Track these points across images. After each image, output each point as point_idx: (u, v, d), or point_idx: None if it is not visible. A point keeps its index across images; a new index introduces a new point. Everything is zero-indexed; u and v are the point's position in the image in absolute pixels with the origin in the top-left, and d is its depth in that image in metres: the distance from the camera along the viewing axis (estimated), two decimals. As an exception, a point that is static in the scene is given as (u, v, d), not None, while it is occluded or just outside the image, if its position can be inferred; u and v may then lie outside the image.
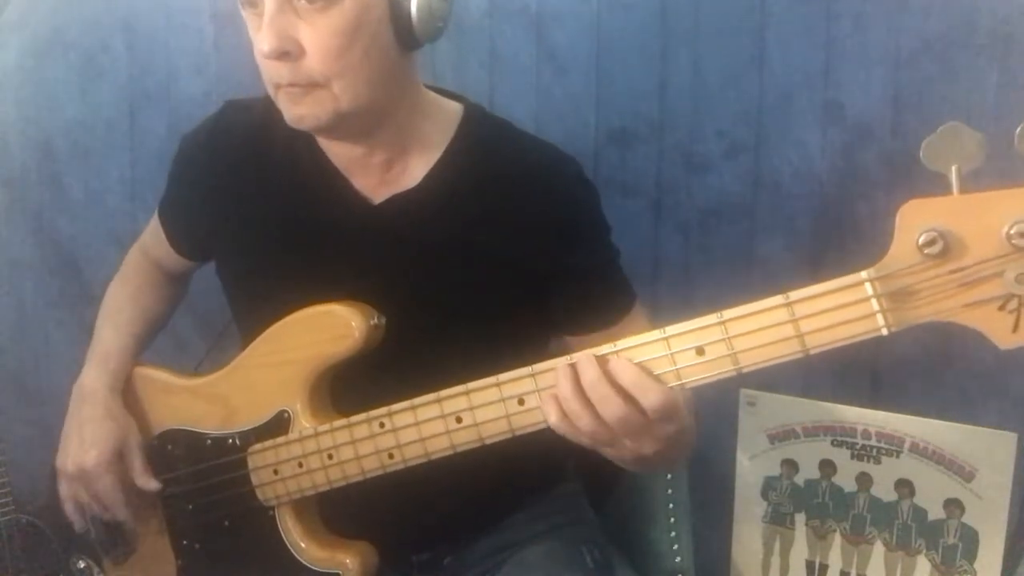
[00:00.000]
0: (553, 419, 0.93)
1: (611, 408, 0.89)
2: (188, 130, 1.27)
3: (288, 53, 1.00)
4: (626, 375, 0.89)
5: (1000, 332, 0.78)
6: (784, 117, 1.58)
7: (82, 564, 1.29)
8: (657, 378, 0.90)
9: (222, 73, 1.87)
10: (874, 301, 0.81)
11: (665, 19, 1.62)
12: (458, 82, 1.69)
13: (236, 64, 1.82)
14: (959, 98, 1.46)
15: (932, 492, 1.44)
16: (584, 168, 1.21)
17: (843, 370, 1.57)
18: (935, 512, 1.44)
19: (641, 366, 0.90)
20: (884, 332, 0.82)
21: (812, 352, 0.85)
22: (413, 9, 1.02)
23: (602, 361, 0.91)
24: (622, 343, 0.91)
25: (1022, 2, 1.42)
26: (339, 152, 1.14)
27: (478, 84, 1.71)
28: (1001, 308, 0.78)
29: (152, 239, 1.36)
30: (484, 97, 1.70)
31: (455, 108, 1.18)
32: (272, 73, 1.03)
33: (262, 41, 1.00)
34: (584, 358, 0.91)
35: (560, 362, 0.93)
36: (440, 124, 1.15)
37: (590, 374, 0.90)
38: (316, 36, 1.00)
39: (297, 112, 1.05)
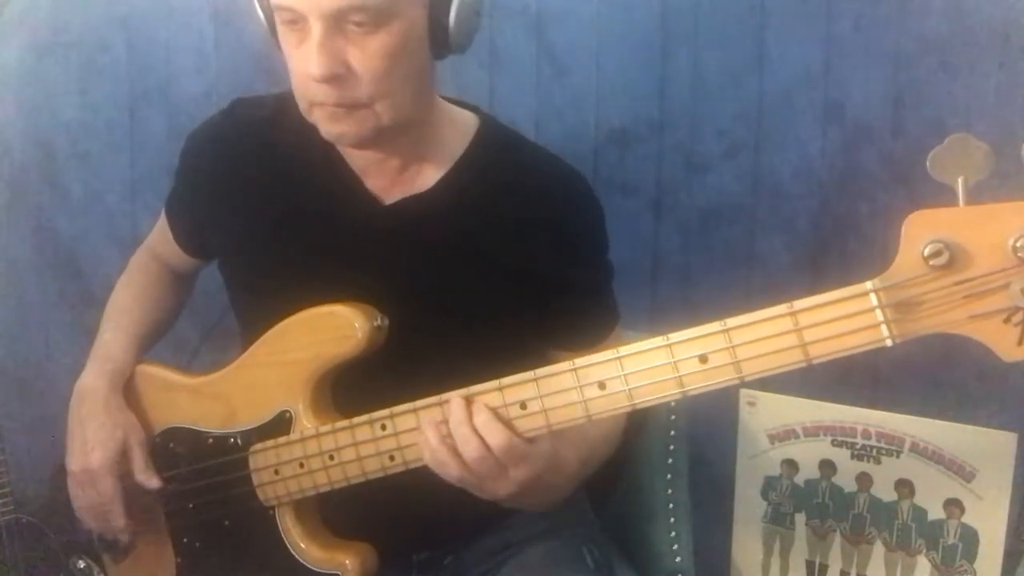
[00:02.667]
0: (427, 458, 0.99)
1: (469, 447, 0.95)
2: (192, 127, 1.27)
3: (337, 76, 1.00)
4: (478, 416, 0.95)
5: (1005, 345, 0.78)
6: (784, 117, 1.58)
7: (82, 564, 1.29)
8: (507, 423, 0.95)
9: (222, 73, 1.87)
10: (879, 312, 0.81)
11: (665, 19, 1.62)
12: (458, 82, 1.68)
13: (236, 64, 1.83)
14: (959, 98, 1.46)
15: (932, 492, 1.44)
16: (584, 169, 1.22)
17: (843, 370, 1.56)
18: (935, 512, 1.44)
19: (494, 412, 0.95)
20: (888, 343, 0.82)
21: (815, 362, 0.84)
22: (451, 25, 1.04)
23: (468, 402, 0.96)
24: (624, 349, 0.92)
25: (1022, 2, 1.42)
26: (358, 155, 1.15)
27: (478, 84, 1.71)
28: (1006, 321, 0.77)
29: (159, 237, 1.36)
30: (484, 97, 1.70)
31: (471, 118, 1.20)
32: (313, 93, 1.03)
33: (310, 64, 0.99)
34: (454, 399, 0.97)
35: (567, 365, 0.95)
36: (456, 133, 1.17)
37: (456, 415, 0.96)
38: (364, 58, 1.00)
39: (337, 130, 1.05)
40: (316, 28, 0.98)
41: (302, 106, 1.06)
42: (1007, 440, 1.38)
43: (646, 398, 0.91)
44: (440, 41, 1.05)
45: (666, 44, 1.62)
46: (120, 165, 1.98)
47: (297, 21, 1.00)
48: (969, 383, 1.51)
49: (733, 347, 0.86)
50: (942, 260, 0.77)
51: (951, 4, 1.46)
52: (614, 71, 1.66)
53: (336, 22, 0.98)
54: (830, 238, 1.54)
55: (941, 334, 0.81)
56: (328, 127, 1.05)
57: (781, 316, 0.84)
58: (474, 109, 1.21)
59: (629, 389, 0.92)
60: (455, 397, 0.97)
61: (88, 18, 1.95)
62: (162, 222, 1.34)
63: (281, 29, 1.04)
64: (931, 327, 0.81)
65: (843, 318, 0.82)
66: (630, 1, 1.63)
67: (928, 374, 1.54)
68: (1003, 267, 0.76)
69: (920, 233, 0.79)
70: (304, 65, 1.01)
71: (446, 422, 0.97)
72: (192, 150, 1.26)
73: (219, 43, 1.87)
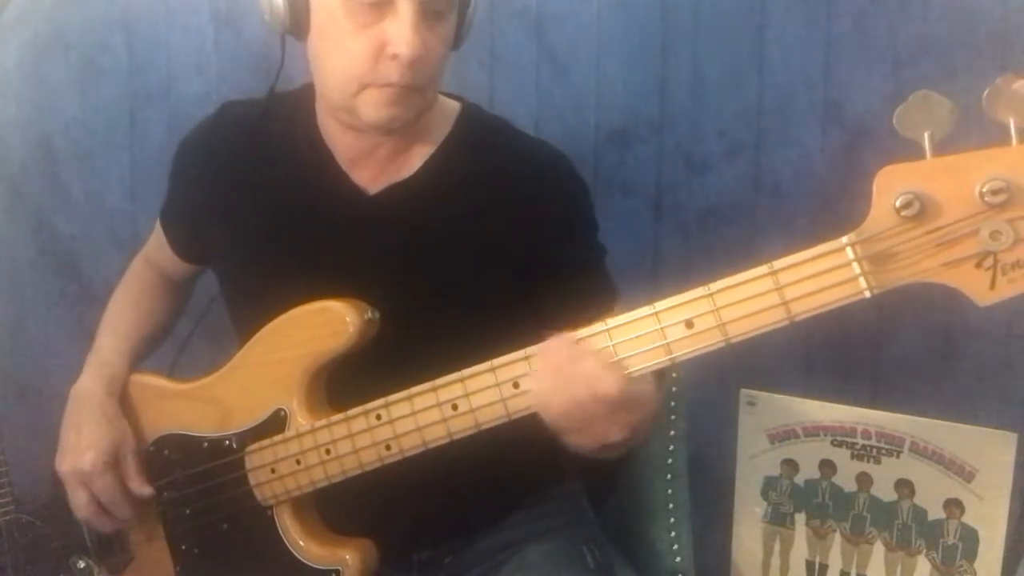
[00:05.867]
0: (535, 387, 0.95)
1: (578, 388, 0.91)
2: (187, 131, 1.27)
3: (420, 59, 1.02)
4: (585, 363, 0.92)
5: (978, 290, 0.80)
6: (784, 117, 1.58)
7: (82, 564, 1.29)
8: (613, 368, 0.91)
9: (222, 73, 1.88)
10: (855, 265, 0.83)
11: (665, 19, 1.62)
12: (458, 82, 1.67)
13: (236, 64, 1.83)
14: (959, 98, 1.45)
15: (932, 492, 1.44)
16: (584, 169, 1.22)
17: (843, 370, 1.57)
18: (935, 512, 1.44)
19: (601, 355, 0.92)
20: (867, 295, 0.84)
21: (798, 319, 0.86)
22: (468, 17, 1.10)
23: (573, 342, 0.93)
24: (612, 320, 0.92)
25: (1022, 2, 1.42)
26: (348, 145, 1.15)
27: (478, 84, 1.71)
28: (978, 266, 0.80)
29: (155, 246, 1.37)
30: (484, 97, 1.70)
31: (453, 105, 1.21)
32: (383, 73, 1.04)
33: (399, 44, 1.01)
34: (560, 337, 0.94)
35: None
36: (439, 119, 1.17)
37: (561, 353, 0.93)
38: (435, 43, 1.05)
39: (391, 113, 1.07)
40: (408, 9, 1.01)
41: (349, 88, 1.06)
42: (1007, 440, 1.38)
43: (637, 367, 0.92)
44: (461, 32, 1.11)
45: (666, 44, 1.62)
46: (120, 165, 1.98)
47: (385, 4, 1.02)
48: (969, 383, 1.51)
49: (718, 310, 0.88)
50: (913, 211, 0.80)
51: (951, 4, 1.46)
52: (614, 71, 1.66)
53: (424, 5, 1.02)
54: (830, 238, 1.54)
55: (940, 330, 0.82)
56: (381, 110, 1.06)
57: (762, 276, 0.87)
58: (457, 98, 1.22)
59: (619, 359, 0.92)
60: (560, 335, 0.94)
61: (88, 18, 1.95)
62: (157, 230, 1.35)
63: (343, 10, 1.03)
64: (907, 277, 0.82)
65: (822, 273, 0.85)
66: (630, 1, 1.63)
67: (928, 374, 1.54)
68: (972, 213, 0.79)
69: (891, 186, 0.81)
70: (375, 44, 1.02)
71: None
72: (183, 156, 1.27)
73: (219, 43, 1.87)
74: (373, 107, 1.06)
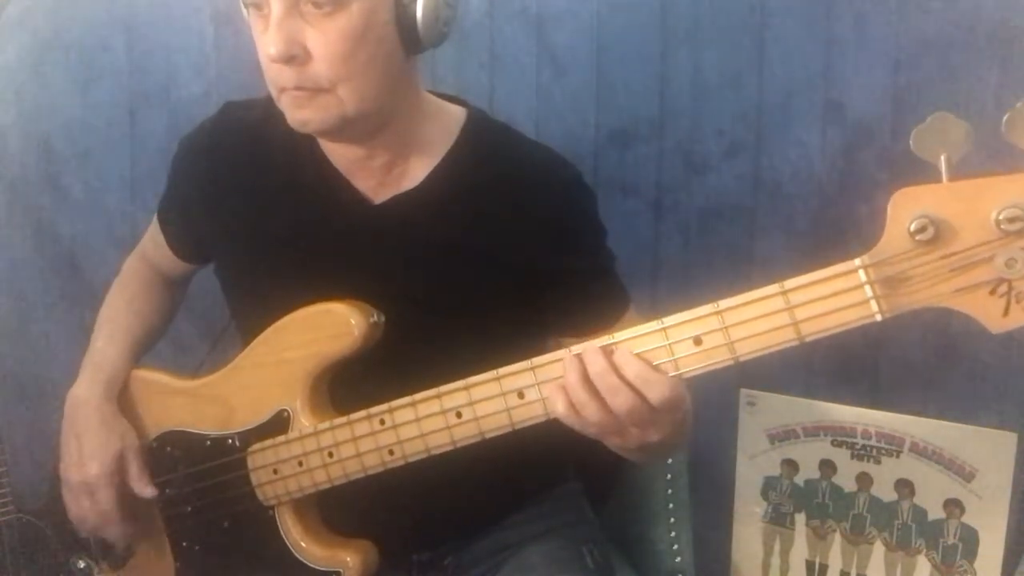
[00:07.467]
0: (560, 409, 0.93)
1: (620, 399, 0.90)
2: (187, 131, 1.27)
3: (294, 57, 1.00)
4: (630, 369, 0.90)
5: (991, 316, 0.80)
6: (784, 117, 1.58)
7: (82, 564, 1.29)
8: (660, 370, 0.90)
9: (222, 73, 1.87)
10: (867, 288, 0.82)
11: (665, 19, 1.62)
12: (458, 83, 1.69)
13: (236, 64, 1.83)
14: (959, 98, 1.46)
15: (932, 492, 1.44)
16: (584, 169, 1.22)
17: (843, 370, 1.57)
18: (935, 512, 1.45)
19: (643, 359, 0.90)
20: (878, 318, 0.83)
21: (807, 340, 0.85)
22: (419, 14, 1.02)
23: (607, 352, 0.91)
24: (620, 335, 0.92)
25: (1022, 2, 1.42)
26: (340, 153, 1.15)
27: (478, 85, 1.71)
28: (992, 292, 0.79)
29: (151, 244, 1.36)
30: (484, 98, 1.70)
31: (458, 112, 1.19)
32: (276, 76, 1.03)
33: (268, 44, 1.00)
34: (590, 349, 0.91)
35: (565, 352, 0.93)
36: (443, 127, 1.16)
37: (597, 365, 0.90)
38: (323, 41, 1.00)
39: (301, 116, 1.05)
40: (275, 8, 0.99)
41: (273, 94, 1.06)
42: (1007, 440, 1.38)
43: None
44: (409, 30, 1.03)
45: (666, 44, 1.62)
46: (120, 165, 1.98)
47: (261, 6, 1.01)
48: (969, 383, 1.51)
49: (726, 328, 0.87)
50: (928, 235, 0.79)
51: (951, 4, 1.46)
52: (614, 71, 1.66)
53: (294, 3, 0.99)
54: (830, 238, 1.54)
55: (940, 330, 0.81)
56: (293, 113, 1.05)
57: (772, 296, 0.86)
58: (463, 103, 1.21)
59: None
60: (589, 347, 0.91)
61: (88, 18, 1.95)
62: (153, 228, 1.34)
63: (250, 17, 1.04)
64: (919, 302, 0.82)
65: (833, 295, 0.84)
66: (630, 1, 1.63)
67: (928, 374, 1.54)
68: (987, 240, 0.78)
69: (906, 209, 0.80)
70: (265, 47, 1.01)
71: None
72: (183, 155, 1.26)
73: (219, 43, 1.87)
74: (289, 111, 1.05)
